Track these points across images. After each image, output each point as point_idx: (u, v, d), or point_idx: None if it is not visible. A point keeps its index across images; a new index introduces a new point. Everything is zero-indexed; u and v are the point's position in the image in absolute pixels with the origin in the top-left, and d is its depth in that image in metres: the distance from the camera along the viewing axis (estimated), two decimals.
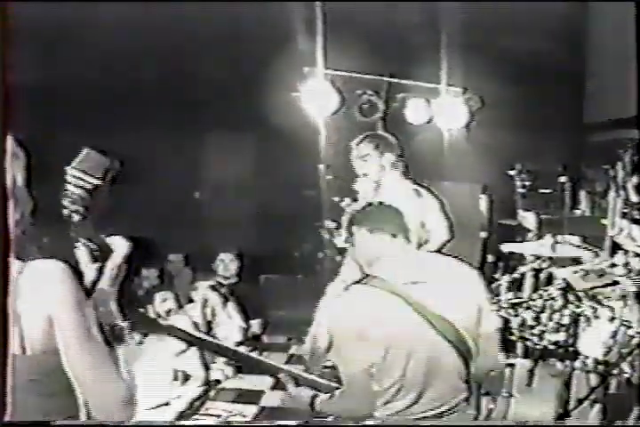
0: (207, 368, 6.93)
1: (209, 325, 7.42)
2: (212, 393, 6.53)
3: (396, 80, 8.51)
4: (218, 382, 7.01)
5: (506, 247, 6.96)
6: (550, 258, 6.39)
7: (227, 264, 8.34)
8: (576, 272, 5.98)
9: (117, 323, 3.29)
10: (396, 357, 4.26)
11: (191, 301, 7.54)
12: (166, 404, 6.11)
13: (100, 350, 2.65)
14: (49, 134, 7.24)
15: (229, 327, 7.44)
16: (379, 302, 4.30)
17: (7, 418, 2.37)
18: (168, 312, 7.10)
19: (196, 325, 7.07)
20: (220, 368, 7.13)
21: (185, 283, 8.51)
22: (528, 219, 8.11)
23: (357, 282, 4.50)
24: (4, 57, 2.44)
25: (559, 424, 5.63)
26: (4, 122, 2.42)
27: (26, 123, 2.72)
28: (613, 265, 6.09)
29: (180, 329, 5.14)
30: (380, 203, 4.79)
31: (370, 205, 4.81)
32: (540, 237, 7.09)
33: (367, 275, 4.48)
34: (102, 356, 2.64)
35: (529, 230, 8.03)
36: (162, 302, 7.31)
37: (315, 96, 8.15)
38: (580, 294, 5.76)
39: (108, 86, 8.77)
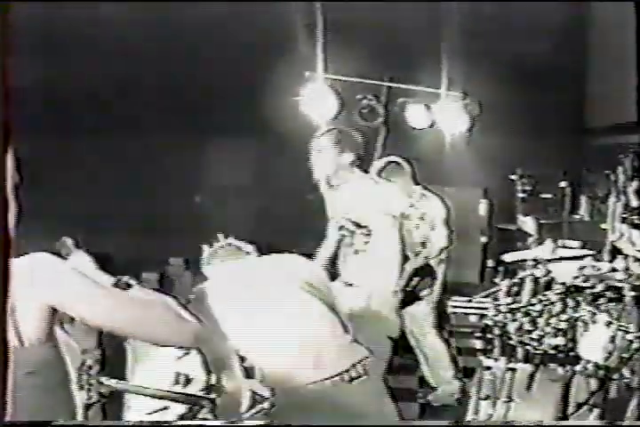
0: (209, 372, 6.92)
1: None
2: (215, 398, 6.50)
3: (395, 85, 8.51)
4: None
5: (508, 257, 6.95)
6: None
7: None
8: (576, 277, 5.97)
9: None
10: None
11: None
12: (165, 408, 6.08)
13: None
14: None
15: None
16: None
17: (7, 418, 2.37)
18: None
19: None
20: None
21: (185, 286, 8.50)
22: (528, 224, 8.12)
23: None
24: (3, 59, 2.44)
25: (559, 424, 5.63)
26: (4, 122, 2.42)
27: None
28: (613, 270, 6.09)
29: None
30: (229, 244, 5.13)
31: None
32: (540, 242, 7.09)
33: None
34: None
35: (529, 235, 8.03)
36: None
37: (315, 100, 8.16)
38: (579, 298, 5.76)
39: (108, 90, 8.78)
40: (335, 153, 6.59)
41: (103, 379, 5.09)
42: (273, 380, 4.33)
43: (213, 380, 6.88)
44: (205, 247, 5.44)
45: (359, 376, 4.33)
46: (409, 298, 6.79)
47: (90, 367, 6.71)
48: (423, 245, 6.96)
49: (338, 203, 6.62)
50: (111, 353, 7.45)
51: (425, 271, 6.87)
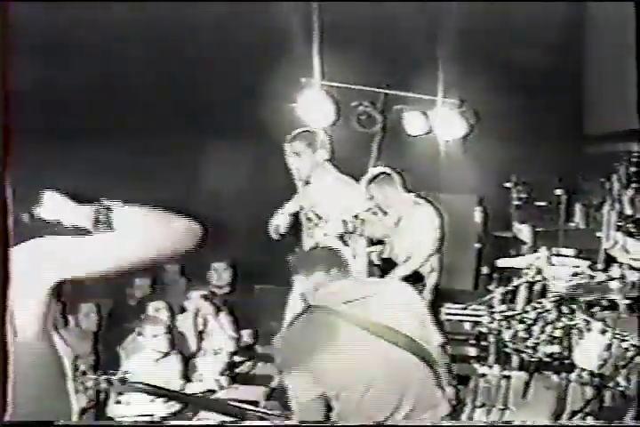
0: (188, 380, 6.97)
1: (200, 335, 7.42)
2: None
3: (392, 91, 8.51)
4: (212, 391, 7.00)
5: (502, 263, 6.96)
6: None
7: (220, 274, 8.34)
8: (571, 285, 5.98)
9: None
10: (351, 375, 4.31)
11: (184, 310, 7.54)
12: (151, 415, 6.10)
13: None
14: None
15: (221, 337, 7.43)
16: (322, 330, 4.38)
17: (7, 418, 2.36)
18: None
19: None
20: (215, 378, 7.12)
21: (179, 292, 8.51)
22: (523, 231, 8.11)
23: (301, 313, 4.61)
24: (3, 61, 2.44)
25: (558, 424, 5.63)
26: (4, 124, 2.42)
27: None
28: (608, 278, 6.09)
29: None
30: (314, 248, 5.09)
31: (302, 251, 5.12)
32: (534, 249, 7.10)
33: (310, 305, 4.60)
34: None
35: (524, 243, 8.03)
36: (155, 312, 7.30)
37: (311, 107, 8.16)
38: (574, 306, 5.77)
39: (103, 95, 8.76)
40: (310, 153, 6.71)
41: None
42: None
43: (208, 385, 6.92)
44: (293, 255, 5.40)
45: None
46: None
47: (84, 373, 6.73)
48: (412, 252, 6.98)
49: (308, 196, 6.74)
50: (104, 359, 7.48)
51: (414, 279, 6.88)
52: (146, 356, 6.76)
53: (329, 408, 4.46)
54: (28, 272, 2.51)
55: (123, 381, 5.08)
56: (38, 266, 2.51)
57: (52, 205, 2.79)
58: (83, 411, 5.21)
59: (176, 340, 7.06)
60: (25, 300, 2.51)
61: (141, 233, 2.61)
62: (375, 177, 7.19)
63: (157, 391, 5.68)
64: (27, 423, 2.49)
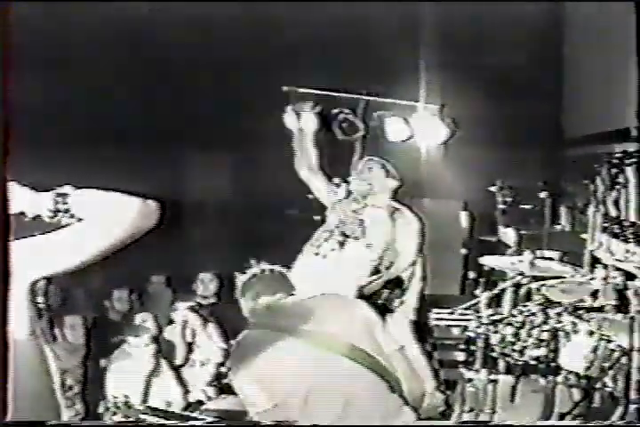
0: (186, 391, 6.94)
1: (189, 346, 7.40)
2: (194, 414, 6.47)
3: (372, 98, 8.50)
4: (201, 402, 6.97)
5: (486, 261, 6.97)
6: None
7: (206, 284, 8.31)
8: (555, 287, 5.99)
9: None
10: (293, 384, 4.33)
11: (171, 322, 7.51)
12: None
13: None
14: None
15: (209, 348, 7.41)
16: (266, 344, 4.45)
17: (8, 418, 2.36)
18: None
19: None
20: (202, 389, 7.10)
21: (165, 304, 8.48)
22: (508, 235, 8.13)
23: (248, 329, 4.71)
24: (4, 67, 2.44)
25: (559, 424, 5.63)
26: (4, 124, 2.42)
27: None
28: (593, 279, 6.10)
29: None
30: (263, 271, 5.13)
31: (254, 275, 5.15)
32: (519, 253, 7.10)
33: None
34: None
35: (509, 246, 8.05)
36: (142, 324, 7.28)
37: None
38: (560, 309, 5.77)
39: (93, 105, 8.75)
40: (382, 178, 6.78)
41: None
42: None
43: (195, 395, 6.90)
44: (238, 275, 5.44)
45: None
46: (380, 310, 6.81)
47: (70, 387, 6.70)
48: (394, 258, 6.97)
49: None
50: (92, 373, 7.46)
51: (394, 284, 6.88)
52: (138, 368, 6.74)
53: None
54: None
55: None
56: (13, 269, 2.52)
57: (13, 197, 2.79)
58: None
59: (164, 351, 7.05)
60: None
61: (101, 216, 2.61)
62: (363, 167, 7.20)
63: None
64: (27, 423, 2.48)
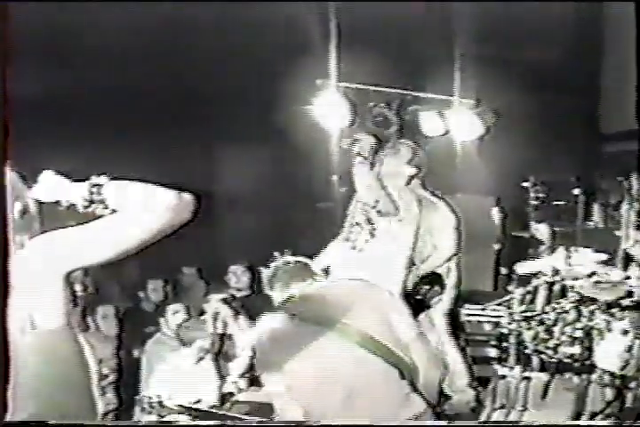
0: (223, 380, 6.92)
1: (221, 338, 7.40)
2: (226, 406, 6.48)
3: (408, 92, 8.48)
4: (231, 394, 6.98)
5: (521, 268, 6.92)
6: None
7: (238, 276, 8.31)
8: (589, 285, 5.95)
9: None
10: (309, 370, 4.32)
11: (202, 313, 7.52)
12: (199, 401, 6.10)
13: None
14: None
15: (240, 340, 7.41)
16: (293, 335, 4.45)
17: (7, 418, 2.37)
18: (180, 325, 7.09)
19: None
20: (233, 381, 7.10)
21: (198, 295, 8.51)
22: (541, 231, 8.08)
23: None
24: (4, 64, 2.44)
25: (560, 424, 5.61)
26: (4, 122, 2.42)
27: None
28: (627, 277, 6.07)
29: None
30: (287, 262, 5.12)
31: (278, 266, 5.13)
32: (552, 249, 7.07)
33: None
34: None
35: (542, 243, 8.00)
36: (173, 315, 7.30)
37: (328, 108, 8.15)
38: (593, 306, 5.74)
39: (118, 98, 8.76)
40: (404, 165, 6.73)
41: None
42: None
43: (227, 387, 6.91)
44: (263, 270, 5.44)
45: None
46: (419, 306, 6.79)
47: (105, 376, 6.74)
48: (431, 253, 6.95)
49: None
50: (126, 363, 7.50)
51: (433, 280, 6.85)
52: (182, 357, 6.74)
53: None
54: (40, 265, 2.54)
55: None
56: (48, 258, 2.53)
57: (49, 185, 2.81)
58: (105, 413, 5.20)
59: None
60: (42, 293, 2.53)
61: (135, 208, 2.62)
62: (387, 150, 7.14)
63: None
64: (26, 423, 2.48)
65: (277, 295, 5.03)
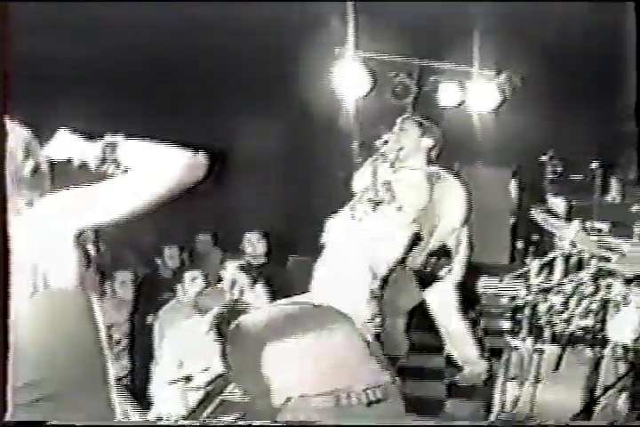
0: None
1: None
2: None
3: (428, 63, 8.46)
4: None
5: (534, 214, 6.90)
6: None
7: (254, 244, 8.32)
8: (607, 258, 5.93)
9: None
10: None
11: (220, 280, 7.53)
12: (189, 378, 6.12)
13: None
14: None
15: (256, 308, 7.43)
16: None
17: (7, 418, 2.37)
18: (199, 293, 7.11)
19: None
20: None
21: (214, 263, 8.53)
22: (557, 204, 8.06)
23: None
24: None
25: (564, 424, 5.61)
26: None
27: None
28: None
29: None
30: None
31: None
32: (568, 222, 7.05)
33: None
34: None
35: (558, 217, 7.98)
36: (191, 282, 7.32)
37: (346, 78, 8.14)
38: (611, 279, 5.73)
39: (133, 68, 8.74)
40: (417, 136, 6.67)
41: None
42: (285, 386, 4.28)
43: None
44: None
45: (378, 400, 4.18)
46: (428, 279, 6.79)
47: (118, 342, 6.77)
48: (437, 224, 6.93)
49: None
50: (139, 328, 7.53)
51: (441, 252, 6.84)
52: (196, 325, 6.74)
53: None
54: (52, 224, 2.54)
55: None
56: (60, 217, 2.53)
57: (63, 143, 2.81)
58: (118, 379, 5.23)
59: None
60: (54, 252, 2.53)
61: (148, 167, 2.62)
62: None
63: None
64: (26, 423, 2.49)
65: None
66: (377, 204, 6.50)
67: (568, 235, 6.19)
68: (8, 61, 2.32)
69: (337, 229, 6.50)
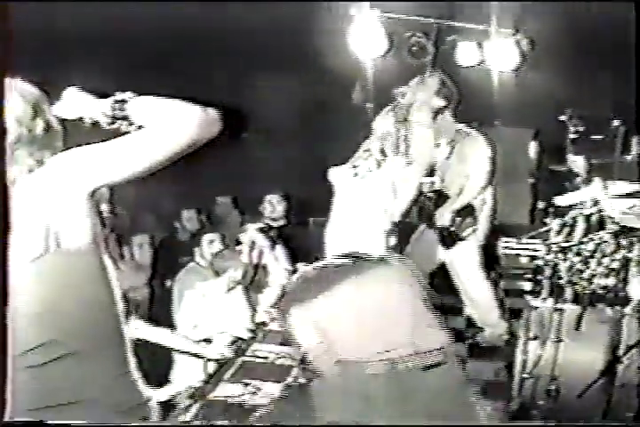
0: (254, 310, 6.94)
1: (256, 267, 7.40)
2: (259, 335, 6.51)
3: (445, 22, 8.38)
4: (264, 324, 7.01)
5: (560, 201, 6.84)
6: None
7: (274, 206, 8.29)
8: (629, 214, 5.88)
9: None
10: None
11: (239, 243, 7.51)
12: (208, 340, 6.13)
13: None
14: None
15: (276, 270, 7.41)
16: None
17: (7, 418, 2.36)
18: (216, 255, 7.09)
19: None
20: (265, 310, 7.12)
21: (233, 225, 8.52)
22: (578, 163, 8.01)
23: None
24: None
25: (568, 425, 5.60)
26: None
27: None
28: None
29: None
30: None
31: None
32: (588, 181, 6.99)
33: None
34: None
35: (578, 175, 7.94)
36: (209, 244, 7.31)
37: (363, 38, 8.07)
38: (633, 238, 5.68)
39: (147, 32, 8.67)
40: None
41: None
42: (341, 350, 4.12)
43: (258, 317, 6.94)
44: None
45: (437, 364, 3.95)
46: (452, 238, 6.77)
47: (138, 305, 6.77)
48: (464, 184, 6.90)
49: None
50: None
51: (466, 212, 6.82)
52: (213, 286, 6.74)
53: None
54: (64, 182, 2.51)
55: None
56: (73, 175, 2.51)
57: (72, 102, 2.79)
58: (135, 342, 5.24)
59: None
60: (67, 211, 2.50)
61: (161, 124, 2.58)
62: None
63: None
64: (26, 423, 2.47)
65: None
66: (380, 162, 6.47)
67: (591, 193, 6.15)
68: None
69: (341, 188, 6.47)
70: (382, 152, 6.51)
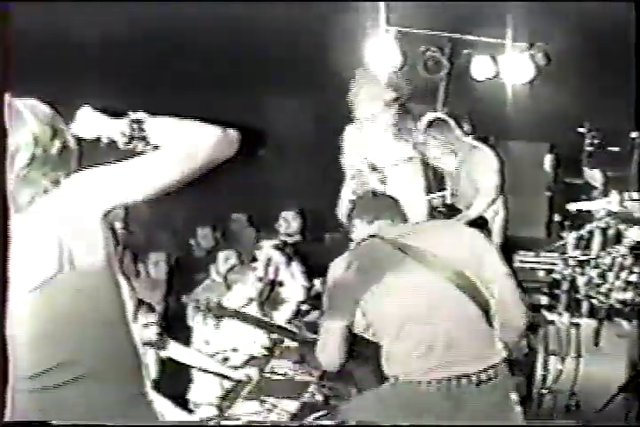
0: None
1: (272, 284, 7.40)
2: (276, 352, 6.50)
3: (459, 36, 8.39)
4: (282, 340, 7.00)
5: (573, 206, 6.83)
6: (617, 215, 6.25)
7: (289, 222, 8.31)
8: None
9: None
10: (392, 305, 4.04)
11: (254, 260, 7.52)
12: (226, 358, 6.14)
13: None
14: None
15: (292, 287, 7.41)
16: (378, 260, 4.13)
17: (7, 418, 2.35)
18: (230, 270, 7.11)
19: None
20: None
21: (248, 242, 8.53)
22: (595, 176, 7.98)
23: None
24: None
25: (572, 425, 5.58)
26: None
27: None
28: None
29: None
30: (374, 193, 4.86)
31: (367, 196, 4.85)
32: (605, 194, 6.97)
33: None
34: None
35: (595, 188, 7.91)
36: (225, 261, 7.32)
37: (378, 53, 8.09)
38: None
39: (166, 45, 8.70)
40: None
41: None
42: (392, 365, 4.04)
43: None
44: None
45: (489, 379, 3.84)
46: None
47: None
48: (474, 196, 6.91)
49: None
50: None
51: (479, 224, 6.80)
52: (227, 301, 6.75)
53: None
54: (80, 201, 2.50)
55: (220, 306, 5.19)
56: (88, 195, 2.50)
57: (87, 121, 2.78)
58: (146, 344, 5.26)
59: None
60: (81, 231, 2.49)
61: (178, 144, 2.57)
62: (432, 122, 7.02)
63: (249, 319, 5.82)
64: (26, 423, 2.46)
65: (360, 229, 4.56)
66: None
67: (608, 206, 6.12)
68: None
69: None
70: (374, 169, 6.50)
